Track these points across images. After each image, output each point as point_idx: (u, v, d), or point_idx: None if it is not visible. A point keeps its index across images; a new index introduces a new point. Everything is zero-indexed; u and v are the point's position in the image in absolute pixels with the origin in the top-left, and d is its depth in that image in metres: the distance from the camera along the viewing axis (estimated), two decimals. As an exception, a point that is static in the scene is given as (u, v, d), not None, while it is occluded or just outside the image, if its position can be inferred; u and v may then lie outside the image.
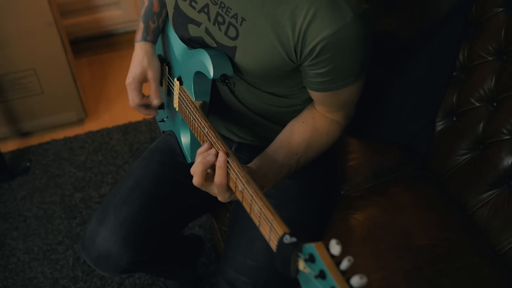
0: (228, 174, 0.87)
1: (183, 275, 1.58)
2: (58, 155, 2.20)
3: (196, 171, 0.89)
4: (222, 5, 0.96)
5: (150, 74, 1.13)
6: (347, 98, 1.02)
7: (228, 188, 0.89)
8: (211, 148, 0.90)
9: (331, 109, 1.04)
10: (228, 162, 0.87)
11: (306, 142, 1.02)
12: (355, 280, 0.58)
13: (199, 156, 0.90)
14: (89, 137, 2.27)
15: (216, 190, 0.91)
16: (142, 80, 1.13)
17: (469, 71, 1.32)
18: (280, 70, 0.98)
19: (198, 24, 1.02)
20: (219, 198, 0.92)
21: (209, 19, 0.99)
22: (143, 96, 1.14)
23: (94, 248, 1.15)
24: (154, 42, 1.16)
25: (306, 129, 1.04)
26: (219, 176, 0.87)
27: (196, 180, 0.90)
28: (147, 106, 1.17)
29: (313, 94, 1.02)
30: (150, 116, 2.33)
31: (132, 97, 1.14)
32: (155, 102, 1.13)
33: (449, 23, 1.31)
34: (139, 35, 1.15)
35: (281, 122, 1.15)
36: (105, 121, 2.36)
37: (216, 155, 0.88)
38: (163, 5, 1.17)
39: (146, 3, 1.18)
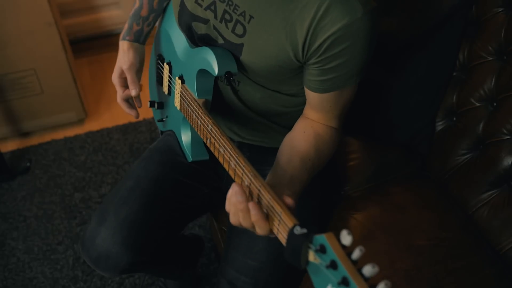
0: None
1: (183, 275, 1.58)
2: (58, 155, 2.20)
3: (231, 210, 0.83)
4: (230, 2, 0.97)
5: (124, 66, 1.21)
6: (345, 102, 1.02)
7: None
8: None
9: (329, 116, 1.03)
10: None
11: (314, 147, 0.99)
12: (367, 269, 0.59)
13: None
14: (89, 137, 2.26)
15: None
16: (120, 74, 1.24)
17: (469, 71, 1.32)
18: (285, 68, 0.98)
19: (205, 21, 1.02)
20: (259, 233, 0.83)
21: (215, 17, 1.00)
22: (125, 90, 1.25)
23: (94, 249, 1.15)
24: (134, 41, 1.22)
25: (310, 136, 1.00)
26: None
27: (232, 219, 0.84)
28: (132, 105, 1.27)
29: (313, 97, 1.01)
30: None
31: (117, 92, 1.26)
32: (133, 92, 1.21)
33: (449, 23, 1.31)
34: (121, 34, 1.23)
35: (283, 122, 1.15)
36: (105, 121, 2.36)
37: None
38: (152, 10, 1.20)
39: (137, 4, 1.22)
